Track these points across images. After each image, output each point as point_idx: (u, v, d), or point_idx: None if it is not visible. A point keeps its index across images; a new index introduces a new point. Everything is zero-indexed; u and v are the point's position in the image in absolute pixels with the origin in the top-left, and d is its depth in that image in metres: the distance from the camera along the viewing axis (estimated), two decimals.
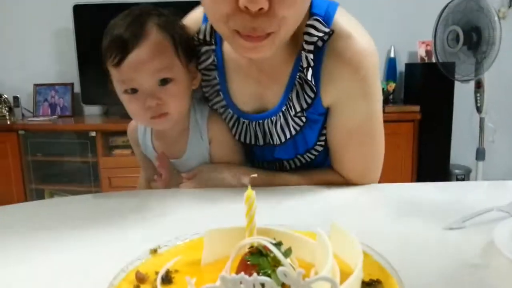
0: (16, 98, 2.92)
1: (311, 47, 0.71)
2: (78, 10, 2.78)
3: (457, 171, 2.87)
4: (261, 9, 0.58)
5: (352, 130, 0.79)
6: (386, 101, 2.86)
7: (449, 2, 2.50)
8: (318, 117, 0.79)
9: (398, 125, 2.69)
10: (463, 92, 2.80)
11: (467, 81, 2.58)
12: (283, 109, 0.79)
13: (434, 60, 2.63)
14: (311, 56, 0.71)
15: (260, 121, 0.81)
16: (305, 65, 0.72)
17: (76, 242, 0.60)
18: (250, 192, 0.36)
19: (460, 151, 2.96)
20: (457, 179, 2.86)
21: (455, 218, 0.63)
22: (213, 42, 0.81)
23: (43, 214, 0.77)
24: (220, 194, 0.80)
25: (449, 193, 0.83)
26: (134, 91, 0.77)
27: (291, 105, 0.77)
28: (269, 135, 0.81)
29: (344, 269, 0.33)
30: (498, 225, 0.54)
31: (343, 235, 0.36)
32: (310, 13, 0.72)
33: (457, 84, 2.68)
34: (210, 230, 0.38)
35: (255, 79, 0.80)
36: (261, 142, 0.83)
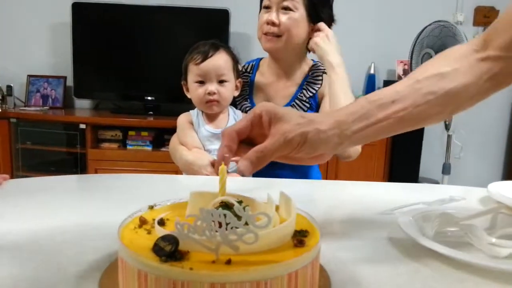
0: (9, 87, 3.02)
1: (320, 74, 1.33)
2: (76, 7, 2.90)
3: (425, 183, 3.06)
4: (274, 23, 1.22)
5: None
6: None
7: (426, 27, 2.70)
8: (314, 105, 1.32)
9: None
10: None
11: None
12: (293, 102, 1.31)
13: None
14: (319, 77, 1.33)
15: None
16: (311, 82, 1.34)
17: (97, 205, 0.75)
18: (223, 166, 0.51)
19: (429, 165, 3.16)
20: None
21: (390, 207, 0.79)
22: (250, 73, 1.38)
23: (59, 187, 0.91)
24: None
25: (394, 192, 0.99)
26: (202, 82, 1.23)
27: (303, 95, 1.31)
28: None
29: (284, 221, 0.48)
30: (408, 212, 0.70)
31: (287, 201, 0.51)
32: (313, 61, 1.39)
33: None
34: (193, 192, 0.53)
35: (271, 90, 1.35)
36: None
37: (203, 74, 1.22)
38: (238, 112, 1.32)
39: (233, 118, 1.29)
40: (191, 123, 1.28)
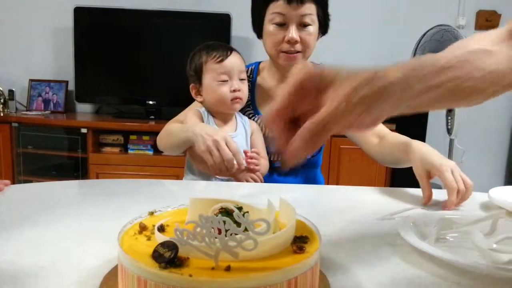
0: (11, 92, 3.02)
1: None
2: (78, 11, 2.91)
3: None
4: (296, 41, 1.18)
5: None
6: None
7: (427, 31, 2.70)
8: None
9: None
10: (436, 115, 3.00)
11: None
12: None
13: None
14: None
15: None
16: None
17: (98, 211, 0.75)
18: None
19: None
20: None
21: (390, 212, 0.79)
22: (251, 77, 1.34)
23: (62, 192, 0.91)
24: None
25: (394, 197, 0.99)
26: (225, 81, 1.18)
27: None
28: None
29: (283, 227, 0.48)
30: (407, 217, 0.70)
31: (287, 207, 0.51)
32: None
33: None
34: (193, 198, 0.54)
35: (273, 95, 1.31)
36: None
37: (228, 71, 1.18)
38: (245, 117, 1.29)
39: (241, 123, 1.25)
40: (201, 119, 1.22)
